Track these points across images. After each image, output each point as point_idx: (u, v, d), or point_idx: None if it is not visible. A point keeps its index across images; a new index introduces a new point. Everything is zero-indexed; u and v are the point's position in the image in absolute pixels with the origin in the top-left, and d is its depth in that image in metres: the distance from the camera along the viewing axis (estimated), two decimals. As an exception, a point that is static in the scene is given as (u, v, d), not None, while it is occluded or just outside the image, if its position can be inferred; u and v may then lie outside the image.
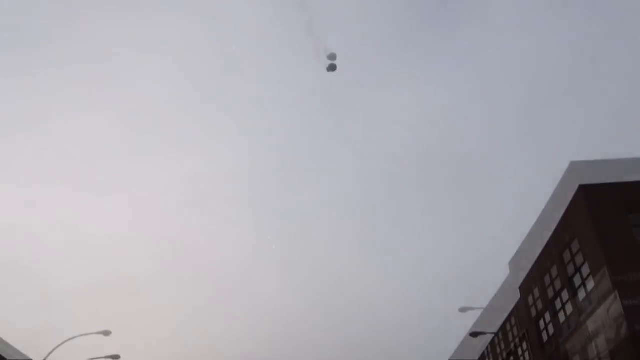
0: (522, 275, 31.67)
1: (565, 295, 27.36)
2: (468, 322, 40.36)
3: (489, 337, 36.63)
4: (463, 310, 29.54)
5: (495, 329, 35.34)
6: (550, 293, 28.70)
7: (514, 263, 33.20)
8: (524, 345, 32.53)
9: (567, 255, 27.08)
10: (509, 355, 34.96)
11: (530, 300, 31.34)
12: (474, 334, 29.61)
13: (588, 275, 25.07)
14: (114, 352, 31.70)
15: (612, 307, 22.93)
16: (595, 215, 24.73)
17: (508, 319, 34.35)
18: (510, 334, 34.25)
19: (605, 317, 23.54)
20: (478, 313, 36.31)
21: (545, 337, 29.83)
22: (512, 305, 32.73)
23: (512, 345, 33.85)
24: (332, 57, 32.82)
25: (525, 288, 32.23)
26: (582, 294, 25.87)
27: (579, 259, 25.90)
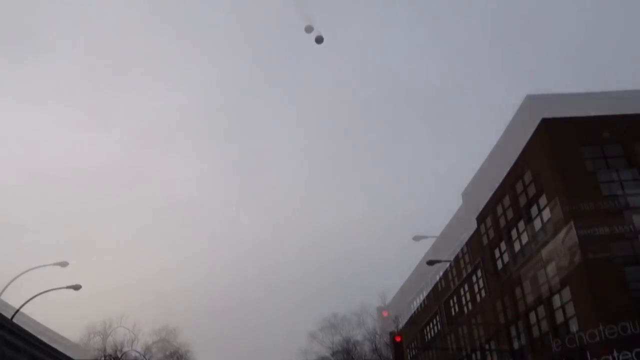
0: (475, 205, 32.33)
1: (521, 225, 28.12)
2: (422, 250, 41.45)
3: (443, 265, 37.64)
4: (417, 238, 30.11)
5: (448, 256, 36.22)
6: (505, 223, 29.43)
7: (466, 193, 33.77)
8: (478, 272, 33.53)
9: (521, 186, 27.74)
10: (462, 282, 36.04)
11: (483, 229, 32.15)
12: (430, 262, 30.31)
13: (544, 207, 25.74)
14: (71, 283, 31.59)
15: (567, 236, 23.65)
16: (551, 147, 25.21)
17: (462, 248, 35.23)
18: (462, 262, 35.20)
19: (559, 246, 24.32)
20: (432, 241, 37.05)
21: (499, 265, 30.80)
22: (464, 234, 33.44)
23: (465, 272, 34.82)
24: (309, 29, 31.52)
25: (481, 218, 32.98)
26: (537, 224, 26.62)
27: (534, 190, 26.53)
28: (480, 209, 31.56)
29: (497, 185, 29.65)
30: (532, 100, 26.61)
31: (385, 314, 23.81)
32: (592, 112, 25.35)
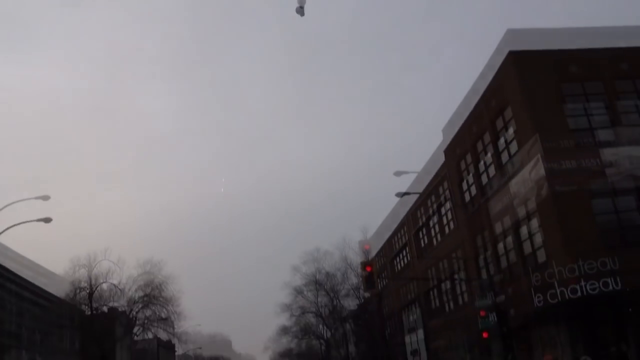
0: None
1: (489, 157, 28.13)
2: (404, 185, 41.62)
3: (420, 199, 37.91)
4: (398, 174, 29.95)
5: (431, 210, 36.32)
6: (475, 156, 29.46)
7: (446, 130, 33.54)
8: (447, 204, 33.78)
9: (490, 118, 27.56)
10: (432, 214, 36.37)
11: (455, 162, 32.17)
12: (399, 194, 30.29)
13: (512, 139, 25.69)
14: (54, 216, 31.45)
15: (535, 168, 23.71)
16: (520, 79, 24.87)
17: (432, 181, 35.34)
18: (434, 195, 35.39)
19: (527, 178, 24.40)
20: (413, 177, 37.01)
21: (468, 197, 31.01)
22: (444, 169, 33.40)
23: (436, 205, 35.07)
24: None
25: (450, 151, 32.93)
26: (505, 157, 26.64)
27: (503, 122, 26.38)
28: (463, 164, 31.40)
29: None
30: (512, 35, 25.98)
31: (367, 247, 23.96)
32: (574, 47, 24.97)
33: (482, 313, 25.18)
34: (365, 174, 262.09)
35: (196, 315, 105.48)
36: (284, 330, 64.51)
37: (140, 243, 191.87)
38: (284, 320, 67.34)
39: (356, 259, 47.75)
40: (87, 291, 43.48)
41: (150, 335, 52.52)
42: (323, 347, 70.03)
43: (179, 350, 71.85)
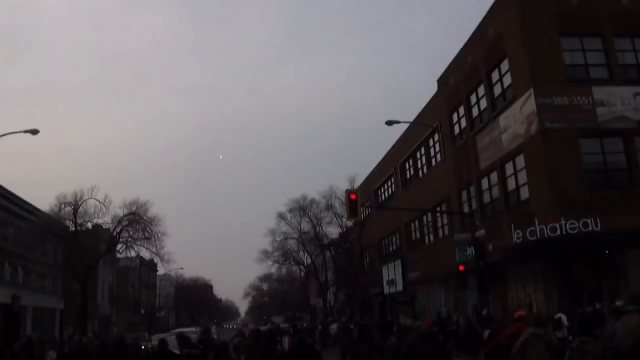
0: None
1: (481, 90, 27.53)
2: (395, 135, 40.93)
3: (409, 142, 37.38)
4: (389, 123, 29.15)
5: (419, 142, 35.72)
6: (468, 87, 28.81)
7: (442, 80, 32.65)
8: (435, 136, 33.33)
9: (484, 50, 26.82)
10: (419, 145, 35.97)
11: (447, 92, 31.55)
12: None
13: (506, 72, 25.05)
14: (42, 152, 30.99)
15: (526, 103, 23.21)
16: (522, 12, 24.03)
17: (424, 111, 34.75)
18: (424, 124, 34.74)
19: (517, 112, 23.93)
20: (405, 127, 36.20)
21: (457, 130, 30.55)
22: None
23: (425, 136, 34.60)
24: None
25: (442, 80, 32.25)
26: (497, 90, 26.06)
27: (497, 54, 25.64)
28: (455, 96, 30.61)
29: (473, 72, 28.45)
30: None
31: (353, 196, 23.52)
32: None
33: (462, 267, 25.14)
34: (356, 126, 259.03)
35: (179, 259, 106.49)
36: (266, 255, 65.22)
37: (128, 183, 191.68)
38: (265, 268, 68.32)
39: (343, 208, 47.71)
40: (73, 206, 43.27)
41: (133, 254, 52.77)
42: (302, 273, 71.10)
43: (161, 270, 72.66)
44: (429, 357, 9.22)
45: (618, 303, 4.23)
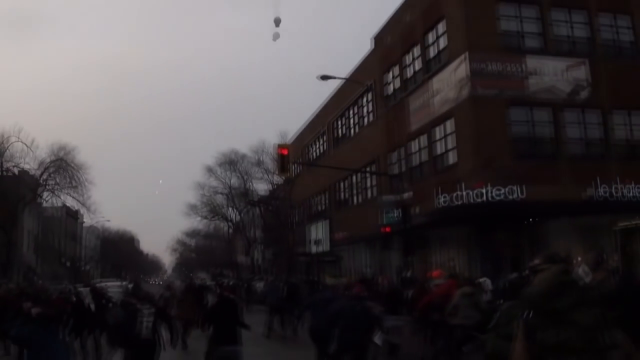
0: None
1: (416, 51, 27.16)
2: (327, 91, 40.11)
3: (341, 102, 36.81)
4: (323, 78, 28.32)
5: (352, 99, 35.15)
6: (402, 47, 28.37)
7: (378, 38, 31.98)
8: (368, 95, 32.93)
9: (421, 10, 26.40)
10: (351, 104, 35.54)
11: (381, 51, 31.09)
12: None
13: (442, 34, 24.72)
14: None
15: (459, 68, 23.03)
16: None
17: (357, 69, 34.19)
18: (357, 82, 34.22)
19: (450, 76, 23.73)
20: (338, 82, 35.50)
21: (390, 90, 30.20)
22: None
23: (356, 95, 34.16)
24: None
25: (378, 38, 31.70)
26: (432, 52, 25.75)
27: (435, 15, 25.26)
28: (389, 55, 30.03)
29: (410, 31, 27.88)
30: None
31: (284, 151, 22.80)
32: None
33: (388, 229, 25.01)
34: (289, 81, 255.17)
35: (105, 210, 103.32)
36: (193, 209, 64.06)
37: (53, 131, 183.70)
38: (192, 223, 67.11)
39: (273, 162, 46.87)
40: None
41: (59, 203, 50.86)
42: (230, 230, 70.38)
43: (87, 221, 70.47)
44: (358, 321, 9.41)
45: (535, 262, 4.40)
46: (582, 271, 9.87)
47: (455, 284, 12.57)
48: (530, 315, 3.94)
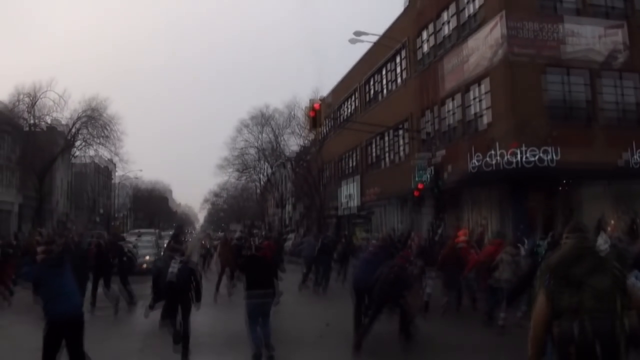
0: (421, 10, 30.28)
1: (452, 9, 26.79)
2: (362, 50, 39.74)
3: (375, 60, 36.52)
4: (357, 34, 28.06)
5: (386, 59, 34.87)
6: (438, 6, 27.97)
7: None
8: (402, 54, 32.71)
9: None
10: (385, 62, 35.32)
11: (415, 10, 30.69)
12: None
13: (479, -7, 24.37)
14: None
15: (495, 28, 22.77)
16: None
17: (391, 28, 33.85)
18: (391, 41, 33.97)
19: (486, 36, 23.48)
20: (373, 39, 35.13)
21: (425, 49, 29.91)
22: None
23: (390, 54, 33.93)
24: None
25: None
26: (469, 10, 25.38)
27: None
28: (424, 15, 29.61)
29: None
30: None
31: (316, 106, 22.85)
32: None
33: (420, 188, 25.09)
34: (324, 40, 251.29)
35: (138, 161, 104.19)
36: (226, 164, 64.53)
37: (88, 78, 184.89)
38: (225, 177, 67.58)
39: (305, 118, 46.61)
40: (31, 98, 41.86)
41: (91, 153, 51.71)
42: (261, 184, 70.96)
43: (120, 172, 71.73)
44: (399, 279, 10.52)
45: (564, 235, 4.79)
46: (601, 240, 10.31)
47: (502, 243, 13.32)
48: (551, 281, 4.35)
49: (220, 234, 45.00)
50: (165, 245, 14.06)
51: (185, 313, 9.69)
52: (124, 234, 29.20)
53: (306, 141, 53.70)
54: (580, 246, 4.51)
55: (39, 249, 7.41)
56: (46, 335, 6.83)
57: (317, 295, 19.44)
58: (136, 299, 15.68)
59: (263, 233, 41.28)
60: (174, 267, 9.62)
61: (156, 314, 11.16)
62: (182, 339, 9.57)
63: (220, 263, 19.61)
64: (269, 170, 63.10)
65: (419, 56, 30.05)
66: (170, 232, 49.72)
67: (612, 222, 22.55)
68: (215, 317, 13.73)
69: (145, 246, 26.35)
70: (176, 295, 9.66)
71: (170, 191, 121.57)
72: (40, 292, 6.99)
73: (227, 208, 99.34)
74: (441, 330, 12.15)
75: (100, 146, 46.71)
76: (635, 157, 22.03)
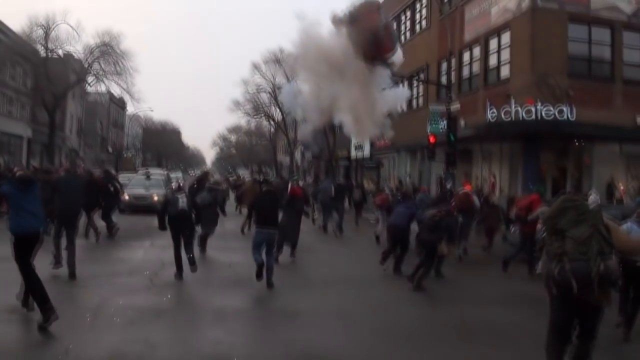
0: None
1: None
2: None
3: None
4: None
5: (408, 2, 34.05)
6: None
7: None
8: (424, 0, 31.96)
9: None
10: (405, 8, 34.57)
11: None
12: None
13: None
14: None
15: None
16: None
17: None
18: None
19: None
20: None
21: (447, -4, 29.17)
22: None
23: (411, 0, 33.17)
24: None
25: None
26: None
27: None
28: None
29: None
30: None
31: None
32: None
33: (433, 139, 24.72)
34: None
35: (149, 99, 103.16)
36: (237, 106, 64.00)
37: (102, 7, 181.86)
38: (235, 119, 66.79)
39: None
40: (44, 29, 41.30)
41: (103, 88, 51.33)
42: (272, 129, 70.58)
43: (131, 109, 71.39)
44: (436, 226, 11.57)
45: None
46: (592, 199, 10.57)
47: (539, 198, 13.44)
48: (544, 232, 5.66)
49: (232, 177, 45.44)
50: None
51: (189, 240, 11.49)
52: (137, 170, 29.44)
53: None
54: (566, 203, 5.41)
55: (17, 173, 8.61)
56: (15, 243, 7.79)
57: (336, 237, 20.33)
58: (116, 230, 17.04)
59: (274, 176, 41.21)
60: (182, 201, 11.52)
61: (160, 252, 13.31)
62: (189, 259, 11.34)
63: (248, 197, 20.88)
64: (280, 117, 62.44)
65: (441, 2, 29.07)
66: (178, 174, 49.91)
67: (622, 187, 22.37)
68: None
69: (153, 185, 27.34)
70: (183, 223, 11.41)
71: (179, 132, 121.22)
72: (9, 207, 7.95)
73: (237, 152, 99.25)
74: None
75: (112, 82, 46.31)
76: (652, 118, 21.63)
